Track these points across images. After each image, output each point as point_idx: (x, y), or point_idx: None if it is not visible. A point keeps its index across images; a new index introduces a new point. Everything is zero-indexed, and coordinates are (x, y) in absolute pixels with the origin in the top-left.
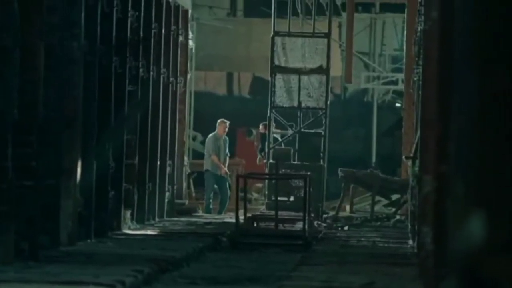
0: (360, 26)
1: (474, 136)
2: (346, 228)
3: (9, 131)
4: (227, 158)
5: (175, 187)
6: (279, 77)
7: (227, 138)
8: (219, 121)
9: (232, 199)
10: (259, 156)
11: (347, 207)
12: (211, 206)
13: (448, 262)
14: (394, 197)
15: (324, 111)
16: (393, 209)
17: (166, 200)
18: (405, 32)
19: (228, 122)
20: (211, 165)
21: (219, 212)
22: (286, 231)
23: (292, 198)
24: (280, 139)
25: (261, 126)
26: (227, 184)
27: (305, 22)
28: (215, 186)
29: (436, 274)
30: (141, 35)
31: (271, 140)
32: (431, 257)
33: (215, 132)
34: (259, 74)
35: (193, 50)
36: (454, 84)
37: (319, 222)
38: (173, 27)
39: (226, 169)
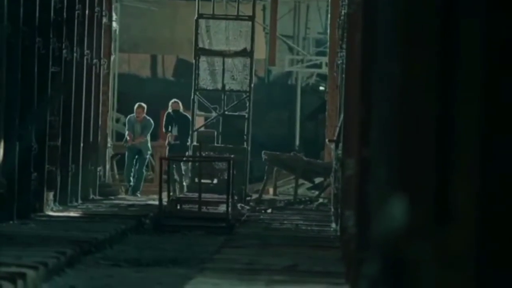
0: (284, 9)
1: (396, 120)
2: (269, 211)
3: None
4: (140, 138)
5: (98, 169)
6: (203, 59)
7: (147, 123)
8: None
9: (156, 181)
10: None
11: (271, 190)
12: (131, 184)
13: (370, 245)
14: (317, 180)
15: (247, 94)
16: (316, 192)
17: (88, 181)
18: (329, 15)
19: (143, 107)
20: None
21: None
22: (209, 213)
23: (215, 181)
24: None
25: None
26: (145, 161)
27: (230, 4)
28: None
29: (358, 257)
30: (65, 16)
31: (195, 123)
32: (353, 240)
33: (133, 114)
34: (183, 57)
35: (117, 32)
36: (376, 68)
37: (243, 205)
38: (96, 9)
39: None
